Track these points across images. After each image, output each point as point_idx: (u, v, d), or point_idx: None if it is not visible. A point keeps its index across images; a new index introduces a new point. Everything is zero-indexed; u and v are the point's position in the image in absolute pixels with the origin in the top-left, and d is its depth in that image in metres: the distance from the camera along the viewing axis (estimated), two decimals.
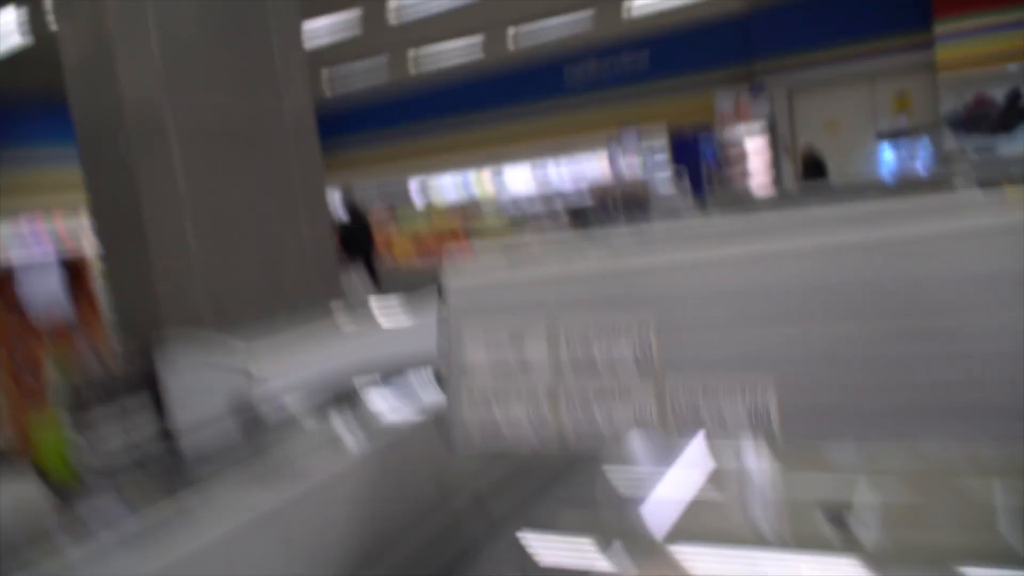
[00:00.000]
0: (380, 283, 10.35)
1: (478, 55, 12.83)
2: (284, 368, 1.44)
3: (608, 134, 12.31)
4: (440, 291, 1.02)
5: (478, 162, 12.93)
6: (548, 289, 0.92)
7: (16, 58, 10.72)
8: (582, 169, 13.04)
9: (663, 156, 12.01)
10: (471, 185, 12.25)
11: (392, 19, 11.55)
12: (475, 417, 0.93)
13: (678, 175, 11.41)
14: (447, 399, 0.98)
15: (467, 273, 1.03)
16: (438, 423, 1.05)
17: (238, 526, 0.94)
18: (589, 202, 11.03)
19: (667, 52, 12.19)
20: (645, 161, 12.25)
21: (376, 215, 11.45)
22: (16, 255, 10.86)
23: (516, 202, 12.53)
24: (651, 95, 12.34)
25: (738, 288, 0.82)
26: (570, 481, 1.41)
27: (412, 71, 13.40)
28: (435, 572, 1.15)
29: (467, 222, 11.12)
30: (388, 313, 1.64)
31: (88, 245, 5.56)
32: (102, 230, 4.34)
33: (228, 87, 4.48)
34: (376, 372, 1.72)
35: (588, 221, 9.12)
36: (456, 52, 12.49)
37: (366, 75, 13.52)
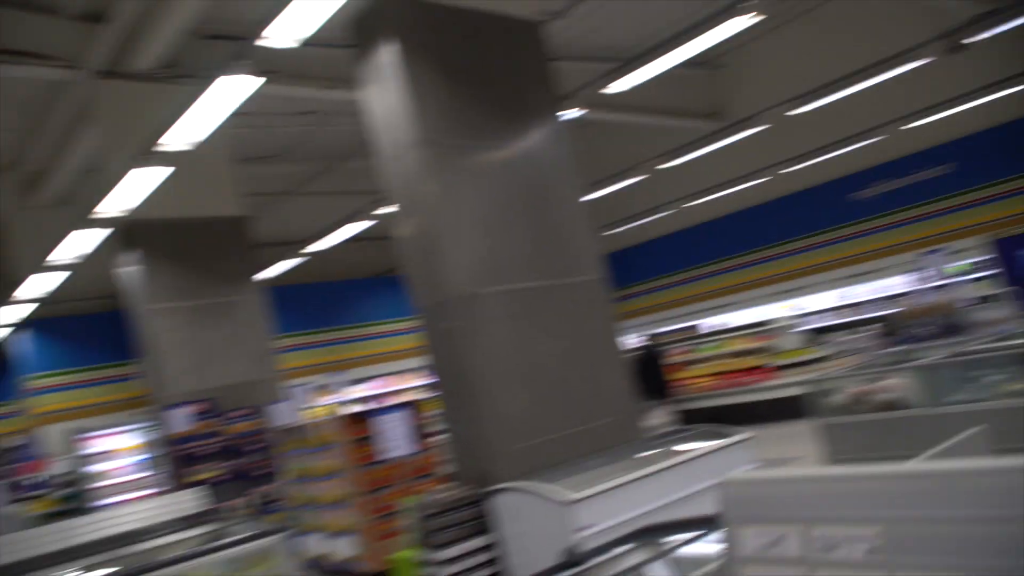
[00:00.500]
0: (677, 415, 10.59)
1: (764, 196, 13.00)
2: (604, 512, 1.77)
3: (915, 251, 11.68)
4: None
5: (773, 296, 12.86)
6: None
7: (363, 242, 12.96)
8: (887, 285, 12.36)
9: (980, 269, 11.07)
10: (767, 314, 12.14)
11: (671, 180, 12.21)
12: None
13: (1000, 288, 10.43)
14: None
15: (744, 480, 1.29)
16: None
17: None
18: (896, 318, 10.45)
19: (977, 157, 11.43)
20: (958, 275, 11.37)
21: (671, 351, 11.82)
22: (363, 404, 12.73)
23: (814, 319, 12.16)
24: (963, 205, 11.57)
25: None
26: None
27: (700, 217, 13.88)
28: None
29: (765, 345, 11.01)
30: (679, 451, 1.92)
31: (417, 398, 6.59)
32: (439, 386, 5.20)
33: (533, 273, 5.29)
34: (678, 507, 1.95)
35: (896, 334, 8.69)
36: (748, 192, 12.75)
37: (655, 226, 14.25)
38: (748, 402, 10.60)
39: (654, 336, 12.01)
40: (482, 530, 4.52)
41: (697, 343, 12.15)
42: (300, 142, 10.36)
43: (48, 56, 6.70)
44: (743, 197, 12.84)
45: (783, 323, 11.07)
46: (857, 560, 1.04)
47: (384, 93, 5.12)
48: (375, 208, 10.07)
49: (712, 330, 12.77)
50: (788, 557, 1.10)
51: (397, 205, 5.28)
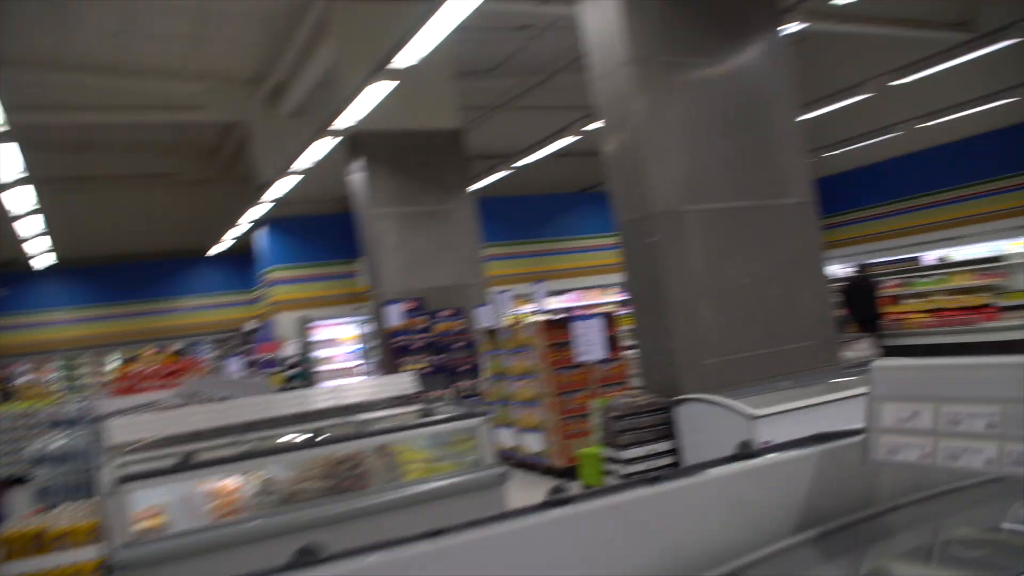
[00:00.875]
0: (886, 348, 10.06)
1: (1010, 118, 11.58)
2: (787, 432, 1.88)
3: None
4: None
5: (1007, 232, 11.60)
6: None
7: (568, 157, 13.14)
8: None
9: None
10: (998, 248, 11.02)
11: (903, 98, 11.15)
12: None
13: None
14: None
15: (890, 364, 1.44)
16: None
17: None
18: None
19: None
20: None
21: (884, 284, 11.14)
22: (560, 311, 13.14)
23: None
24: None
25: None
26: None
27: (929, 141, 12.68)
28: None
29: (992, 283, 10.08)
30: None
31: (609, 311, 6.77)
32: (633, 301, 5.36)
33: (738, 193, 5.23)
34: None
35: None
36: (992, 114, 11.43)
37: (877, 150, 13.20)
38: (966, 343, 9.85)
39: (865, 266, 11.33)
40: (665, 435, 4.71)
41: (914, 276, 11.33)
42: (513, 56, 10.60)
43: None
44: (985, 119, 11.57)
45: (1015, 260, 10.03)
46: (978, 432, 1.22)
47: (600, 9, 5.18)
48: (583, 124, 10.19)
49: (933, 264, 11.83)
50: (921, 428, 1.28)
51: (605, 121, 5.39)
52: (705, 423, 4.39)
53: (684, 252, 4.98)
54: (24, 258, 12.70)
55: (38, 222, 10.06)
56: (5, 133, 6.67)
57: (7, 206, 8.74)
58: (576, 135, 10.75)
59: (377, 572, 1.16)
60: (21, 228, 10.23)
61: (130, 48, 9.53)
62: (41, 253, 12.60)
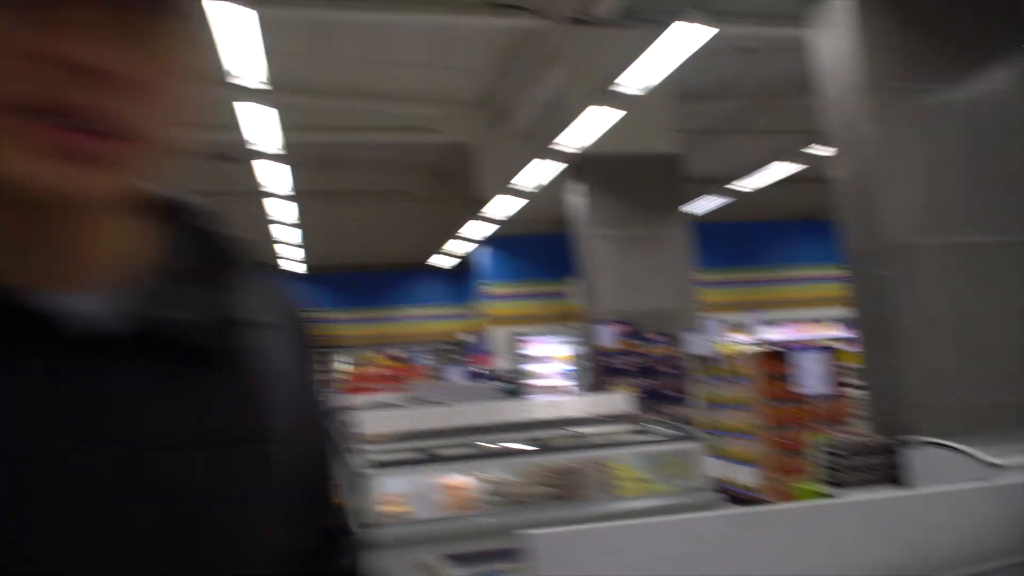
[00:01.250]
0: None
1: None
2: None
3: None
4: None
5: None
6: None
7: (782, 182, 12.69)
8: None
9: None
10: None
11: None
12: None
13: None
14: None
15: None
16: None
17: None
18: None
19: None
20: None
21: None
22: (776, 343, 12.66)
23: None
24: None
25: None
26: None
27: None
28: None
29: None
30: None
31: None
32: (861, 336, 5.13)
33: (982, 226, 4.88)
34: None
35: None
36: None
37: None
38: None
39: None
40: (890, 478, 4.46)
41: None
42: (735, 80, 10.46)
43: (525, 8, 7.75)
44: None
45: None
46: None
47: (834, 34, 5.06)
48: (805, 148, 9.86)
49: None
50: None
51: (835, 147, 5.23)
52: (938, 468, 4.12)
53: (919, 287, 4.71)
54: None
55: (296, 233, 11.32)
56: (282, 155, 7.62)
57: (276, 217, 9.93)
58: (798, 162, 10.41)
59: None
60: (282, 238, 11.55)
61: (380, 75, 10.49)
62: (296, 261, 14.09)
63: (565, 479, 3.79)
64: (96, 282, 0.58)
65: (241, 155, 11.04)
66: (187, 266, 0.63)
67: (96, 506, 0.53)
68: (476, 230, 13.38)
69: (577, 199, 9.17)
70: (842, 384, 6.21)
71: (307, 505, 0.69)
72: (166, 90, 0.53)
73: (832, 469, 4.70)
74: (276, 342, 0.66)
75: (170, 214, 0.65)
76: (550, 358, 14.10)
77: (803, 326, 14.69)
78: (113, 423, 0.54)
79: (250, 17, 5.24)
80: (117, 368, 0.55)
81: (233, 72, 6.12)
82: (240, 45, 5.57)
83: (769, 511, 1.47)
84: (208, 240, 0.66)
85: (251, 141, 8.30)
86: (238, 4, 5.01)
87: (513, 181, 9.74)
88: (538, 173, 9.09)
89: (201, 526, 0.57)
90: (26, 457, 0.51)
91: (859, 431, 5.06)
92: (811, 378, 5.75)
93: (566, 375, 13.97)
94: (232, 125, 8.43)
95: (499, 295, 14.85)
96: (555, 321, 14.48)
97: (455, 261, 16.70)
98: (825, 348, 5.97)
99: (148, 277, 0.60)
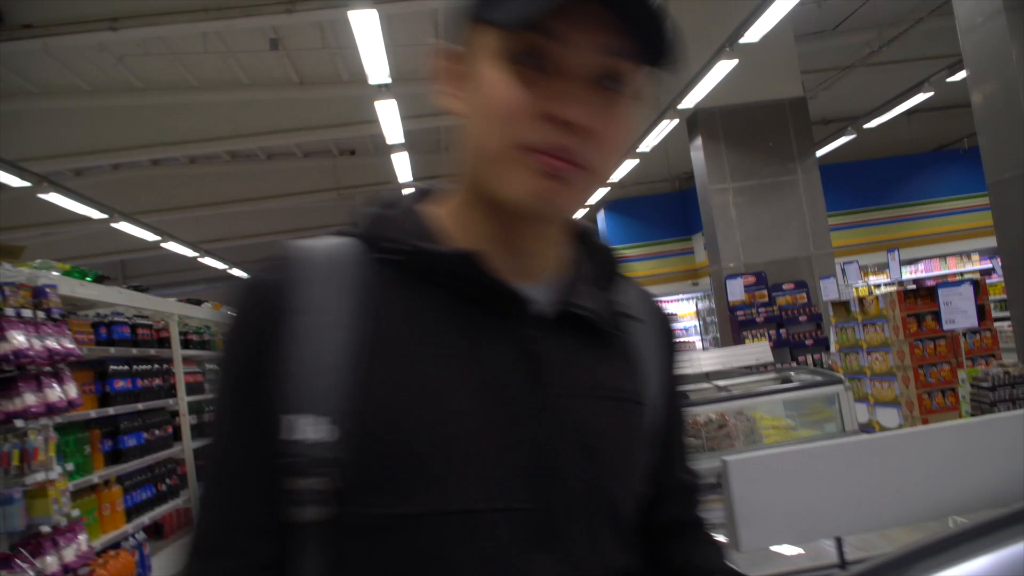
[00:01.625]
0: None
1: None
2: None
3: None
4: None
5: None
6: None
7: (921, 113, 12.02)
8: None
9: None
10: None
11: None
12: None
13: None
14: None
15: None
16: None
17: None
18: None
19: None
20: None
21: None
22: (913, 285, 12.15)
23: None
24: None
25: None
26: None
27: None
28: None
29: None
30: None
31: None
32: (1008, 267, 4.98)
33: None
34: None
35: None
36: None
37: None
38: None
39: None
40: None
41: None
42: (857, 12, 10.03)
43: None
44: None
45: None
46: None
47: None
48: (937, 73, 9.38)
49: None
50: None
51: (973, 74, 5.05)
52: None
53: None
54: None
55: None
56: (402, 144, 7.98)
57: None
58: (926, 91, 9.90)
59: None
60: None
61: None
62: None
63: (711, 430, 3.94)
64: (542, 276, 0.84)
65: (375, 148, 11.56)
66: (587, 270, 0.88)
67: (540, 432, 0.78)
68: (594, 197, 13.47)
69: (698, 155, 9.12)
70: (989, 317, 6.01)
71: (666, 459, 0.93)
72: (616, 141, 0.78)
73: (978, 402, 4.62)
74: (643, 331, 0.92)
75: (574, 230, 0.90)
76: (678, 316, 14.13)
77: (942, 261, 14.03)
78: (549, 375, 0.79)
79: (372, 17, 5.55)
80: (552, 338, 0.81)
81: (369, 72, 6.48)
82: (372, 46, 5.89)
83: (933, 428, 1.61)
84: (599, 252, 0.92)
85: (384, 134, 8.72)
86: (363, 8, 5.31)
87: (633, 144, 9.78)
88: (657, 133, 9.09)
89: (598, 458, 0.81)
90: (502, 392, 0.77)
91: (1006, 363, 4.93)
92: (955, 313, 5.61)
93: (695, 331, 13.95)
94: (365, 120, 8.87)
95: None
96: (680, 279, 14.43)
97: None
98: (971, 281, 5.79)
99: (566, 275, 0.86)
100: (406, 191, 0.89)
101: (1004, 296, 7.28)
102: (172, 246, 12.54)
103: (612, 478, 0.82)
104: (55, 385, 3.48)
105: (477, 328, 0.78)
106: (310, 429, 0.73)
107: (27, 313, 3.36)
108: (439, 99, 0.84)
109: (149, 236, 11.48)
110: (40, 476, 3.31)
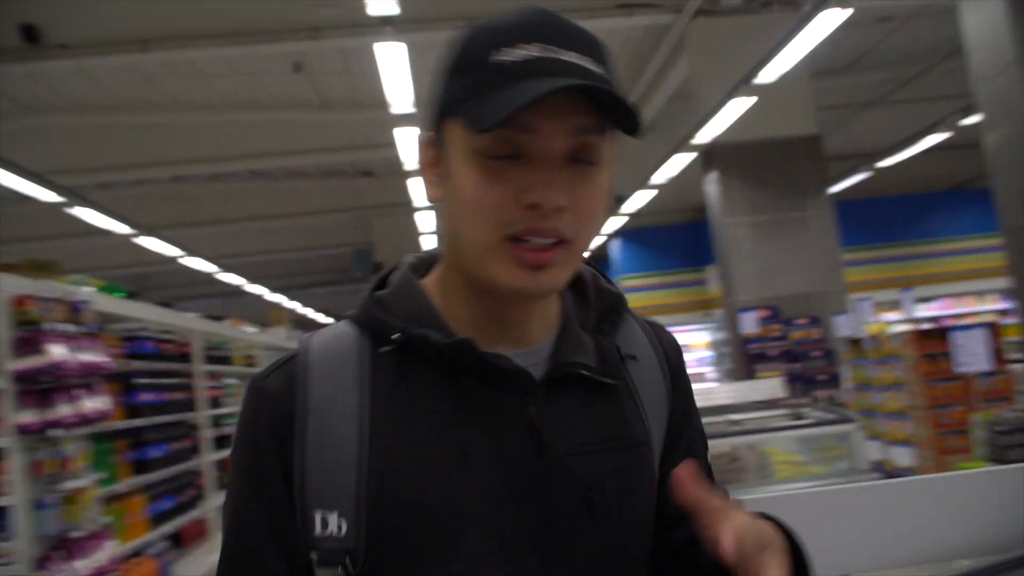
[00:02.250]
0: None
1: None
2: None
3: None
4: None
5: None
6: None
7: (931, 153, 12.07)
8: None
9: None
10: None
11: None
12: None
13: None
14: None
15: None
16: None
17: None
18: None
19: None
20: None
21: None
22: (929, 323, 12.14)
23: None
24: None
25: None
26: None
27: None
28: None
29: None
30: None
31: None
32: (1022, 307, 5.01)
33: None
34: None
35: None
36: None
37: None
38: None
39: None
40: None
41: None
42: (873, 51, 10.13)
43: (655, 4, 7.86)
44: None
45: None
46: None
47: (983, 7, 4.96)
48: (951, 115, 9.43)
49: None
50: None
51: (988, 120, 5.11)
52: None
53: None
54: None
55: (433, 241, 11.81)
56: (417, 171, 8.04)
57: (422, 229, 10.39)
58: (944, 130, 9.95)
59: None
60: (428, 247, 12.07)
61: None
62: None
63: (723, 464, 3.98)
64: (534, 340, 0.87)
65: (391, 171, 11.69)
66: (587, 318, 0.91)
67: (547, 490, 0.81)
68: (613, 225, 13.55)
69: (713, 188, 9.19)
70: (1004, 360, 6.02)
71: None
72: (595, 211, 0.81)
73: (994, 447, 4.62)
74: (648, 366, 0.94)
75: (569, 279, 0.89)
76: (689, 347, 14.10)
77: (957, 300, 13.97)
78: (548, 438, 0.82)
79: (398, 49, 5.67)
80: (549, 400, 0.84)
81: (392, 100, 6.60)
82: (396, 76, 6.02)
83: (938, 478, 1.66)
84: (598, 296, 0.94)
85: (402, 160, 8.84)
86: (389, 40, 5.44)
87: (648, 174, 9.88)
88: (674, 166, 9.18)
89: (603, 510, 0.84)
90: (503, 461, 0.81)
91: (1017, 408, 4.93)
92: (970, 355, 5.62)
93: (707, 363, 13.91)
94: (383, 143, 9.00)
95: (635, 287, 14.94)
96: (692, 310, 14.42)
97: (592, 255, 16.89)
98: (986, 324, 5.81)
99: (560, 329, 0.89)
100: (403, 260, 0.93)
101: (1021, 338, 7.28)
102: (190, 261, 12.68)
103: (619, 527, 0.85)
104: (88, 396, 3.58)
105: (475, 401, 0.82)
106: (322, 523, 0.77)
107: (65, 328, 3.47)
108: (425, 188, 0.86)
109: (169, 250, 11.62)
110: (74, 483, 3.41)
